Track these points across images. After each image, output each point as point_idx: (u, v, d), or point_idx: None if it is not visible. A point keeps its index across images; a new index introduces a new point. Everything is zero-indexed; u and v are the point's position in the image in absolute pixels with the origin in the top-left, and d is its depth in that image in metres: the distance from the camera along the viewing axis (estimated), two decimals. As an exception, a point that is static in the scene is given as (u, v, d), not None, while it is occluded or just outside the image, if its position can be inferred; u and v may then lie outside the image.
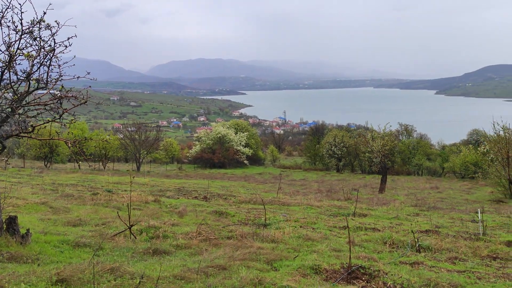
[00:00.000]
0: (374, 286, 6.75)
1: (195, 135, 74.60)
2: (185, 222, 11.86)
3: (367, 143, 40.86)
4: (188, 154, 64.43)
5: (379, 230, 12.39)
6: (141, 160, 52.12)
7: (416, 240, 10.19)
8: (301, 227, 12.24)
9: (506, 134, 29.11)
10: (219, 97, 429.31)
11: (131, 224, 9.59)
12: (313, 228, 12.11)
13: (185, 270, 6.83)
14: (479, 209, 14.11)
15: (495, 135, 30.22)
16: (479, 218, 13.08)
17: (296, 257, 8.32)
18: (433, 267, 8.41)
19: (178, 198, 18.59)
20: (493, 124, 29.94)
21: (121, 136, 56.17)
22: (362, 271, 7.46)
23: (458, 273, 7.97)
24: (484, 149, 39.85)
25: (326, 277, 7.24)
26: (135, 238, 9.47)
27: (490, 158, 37.78)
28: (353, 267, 7.47)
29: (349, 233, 8.04)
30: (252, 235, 10.25)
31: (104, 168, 49.46)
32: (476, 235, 12.35)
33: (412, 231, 10.60)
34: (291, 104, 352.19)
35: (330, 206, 18.09)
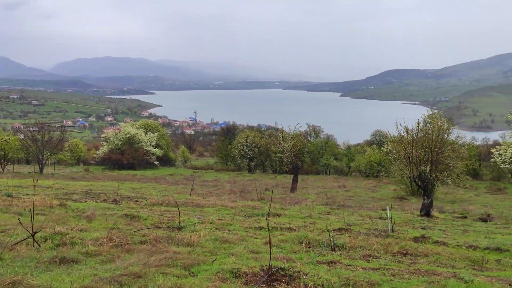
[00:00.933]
0: (295, 288, 6.66)
1: (103, 135, 71.95)
2: (94, 227, 11.17)
3: (279, 143, 41.42)
4: (95, 155, 61.91)
5: (295, 230, 12.45)
6: (44, 161, 49.33)
7: (331, 239, 10.32)
8: (216, 229, 11.99)
9: (408, 134, 30.66)
10: (128, 97, 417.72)
11: (34, 231, 8.82)
12: (229, 230, 11.90)
13: (96, 280, 6.33)
14: (387, 207, 14.66)
15: (398, 135, 31.73)
16: (388, 216, 13.58)
17: (214, 261, 8.06)
18: (349, 265, 8.51)
19: (86, 201, 17.61)
20: (396, 125, 31.41)
21: (22, 137, 52.83)
22: (282, 272, 7.35)
23: (373, 271, 8.11)
24: (387, 148, 41.86)
25: (246, 281, 7.05)
26: (39, 246, 8.72)
27: (392, 157, 39.75)
28: (273, 269, 7.35)
29: (269, 235, 7.90)
30: (167, 239, 9.84)
31: (3, 170, 46.22)
32: (386, 232, 12.79)
33: (327, 230, 10.73)
34: (202, 105, 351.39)
35: (244, 207, 18.01)
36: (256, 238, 11.02)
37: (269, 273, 7.16)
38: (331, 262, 8.66)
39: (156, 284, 6.26)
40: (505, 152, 39.34)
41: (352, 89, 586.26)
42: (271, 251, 9.13)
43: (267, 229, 12.33)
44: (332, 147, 54.58)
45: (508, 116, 41.16)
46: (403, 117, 31.20)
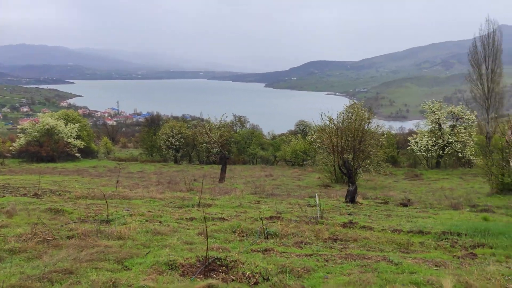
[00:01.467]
0: (234, 278, 6.64)
1: (19, 127, 67.92)
2: (16, 223, 10.54)
3: (206, 133, 41.21)
4: (11, 148, 58.48)
5: (226, 220, 12.43)
6: (-48, 155, 46.04)
7: (264, 227, 10.39)
8: (147, 221, 11.71)
9: (332, 124, 31.60)
10: (45, 86, 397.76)
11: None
12: (160, 222, 11.66)
13: (24, 278, 5.98)
14: (316, 194, 14.99)
15: (323, 125, 32.59)
16: (317, 202, 13.89)
17: (148, 253, 7.86)
18: (283, 252, 8.61)
19: (4, 196, 16.60)
20: (321, 115, 32.27)
21: None
22: (218, 262, 7.31)
23: (307, 257, 8.26)
24: (311, 138, 42.87)
25: (183, 272, 6.95)
26: (-45, 245, 8.12)
27: (317, 146, 40.75)
28: (209, 260, 7.28)
29: (205, 225, 7.83)
30: (96, 232, 9.47)
31: None
32: (315, 218, 13.08)
33: (260, 219, 10.79)
34: (125, 95, 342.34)
35: (174, 198, 17.76)
36: (188, 229, 10.88)
37: (206, 264, 7.09)
38: (265, 250, 8.73)
39: (90, 280, 6.01)
40: (421, 140, 41.52)
41: (276, 80, 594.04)
42: (207, 241, 9.07)
43: (199, 219, 12.27)
44: (258, 137, 55.06)
45: (424, 106, 43.41)
46: (326, 108, 32.17)
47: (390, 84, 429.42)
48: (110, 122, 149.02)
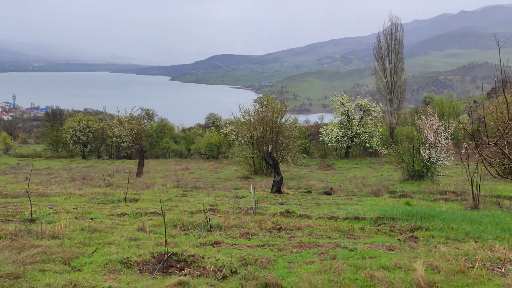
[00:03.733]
0: (198, 273, 6.29)
1: None
2: None
3: (117, 126, 39.66)
4: None
5: (161, 214, 11.94)
6: None
7: (208, 219, 10.07)
8: (76, 218, 10.93)
9: (250, 116, 31.74)
10: None
11: None
12: (91, 219, 10.93)
13: (-34, 287, 5.24)
14: (251, 186, 14.85)
15: (242, 117, 32.65)
16: (252, 194, 13.76)
17: (94, 251, 7.27)
18: (234, 244, 8.37)
19: None
20: (239, 107, 32.34)
21: None
22: (175, 258, 6.92)
23: (261, 248, 8.09)
24: (226, 130, 42.78)
25: (139, 270, 6.49)
26: None
27: (231, 139, 40.74)
28: (165, 255, 6.87)
29: (164, 220, 7.37)
30: (26, 232, 8.64)
31: None
32: (251, 209, 12.95)
33: (204, 211, 10.46)
34: (20, 88, 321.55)
35: (94, 194, 16.82)
36: (124, 225, 10.28)
37: (165, 258, 6.67)
38: (215, 243, 8.44)
39: (45, 284, 5.39)
40: (332, 132, 42.91)
41: (181, 73, 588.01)
42: (150, 236, 8.60)
43: (131, 215, 11.67)
44: (170, 130, 54.01)
45: (333, 98, 44.84)
46: (234, 102, 32.34)
47: (294, 78, 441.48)
48: (5, 117, 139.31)
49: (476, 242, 8.58)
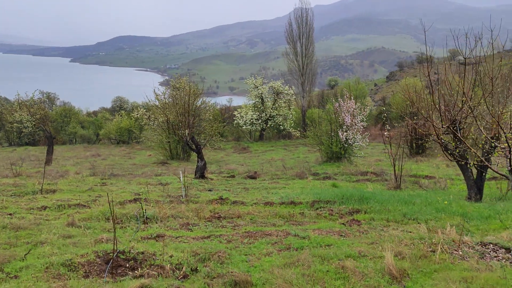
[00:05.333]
0: (154, 273, 5.72)
1: None
2: None
3: (17, 111, 36.97)
4: None
5: (86, 206, 11.08)
6: None
7: (144, 211, 9.42)
8: (-10, 214, 9.80)
9: (165, 100, 30.85)
10: None
11: None
12: (9, 214, 9.84)
13: None
14: (180, 172, 14.25)
15: (155, 100, 31.66)
16: (182, 181, 13.19)
17: (27, 253, 6.44)
18: (178, 237, 7.86)
19: None
20: (154, 90, 31.38)
21: None
22: (122, 256, 6.28)
23: (208, 240, 7.65)
24: (137, 114, 41.31)
25: (85, 272, 5.80)
26: None
27: (143, 123, 39.41)
28: (112, 254, 6.23)
29: (113, 217, 6.67)
30: None
31: None
32: (182, 197, 12.41)
33: (140, 202, 9.78)
34: None
35: (3, 185, 15.34)
36: (48, 220, 9.37)
37: (113, 257, 6.02)
38: (158, 236, 7.87)
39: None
40: (246, 115, 42.89)
41: (82, 55, 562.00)
42: (85, 233, 7.89)
43: (52, 208, 10.70)
44: (76, 115, 51.20)
45: (247, 81, 44.77)
46: (140, 84, 31.49)
47: (200, 61, 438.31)
48: None
49: (418, 223, 8.73)
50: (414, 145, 26.42)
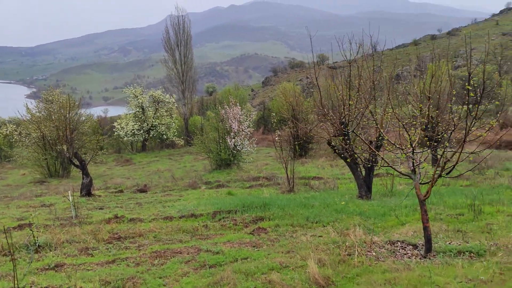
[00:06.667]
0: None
1: None
2: None
3: None
4: None
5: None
6: None
7: (35, 238, 8.53)
8: None
9: (40, 113, 28.93)
10: None
11: None
12: None
13: None
14: (69, 192, 13.23)
15: (29, 115, 29.52)
16: (71, 201, 12.25)
17: None
18: (80, 265, 7.22)
19: None
20: (26, 105, 29.25)
21: None
22: (22, 295, 5.56)
23: (114, 265, 7.11)
24: (7, 131, 38.07)
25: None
26: None
27: (14, 140, 36.44)
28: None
29: (11, 251, 5.86)
30: None
31: None
32: (72, 218, 11.52)
33: (30, 229, 8.83)
34: None
35: None
36: None
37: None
38: (56, 266, 7.17)
39: None
40: (127, 125, 41.40)
41: None
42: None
43: None
44: None
45: (125, 90, 43.23)
46: (5, 98, 29.41)
47: (70, 71, 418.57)
48: None
49: (324, 226, 8.89)
50: (297, 147, 27.27)
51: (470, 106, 6.24)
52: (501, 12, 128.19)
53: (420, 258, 6.43)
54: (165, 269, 6.60)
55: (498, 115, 22.28)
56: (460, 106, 8.79)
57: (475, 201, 9.54)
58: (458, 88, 21.60)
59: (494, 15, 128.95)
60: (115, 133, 41.78)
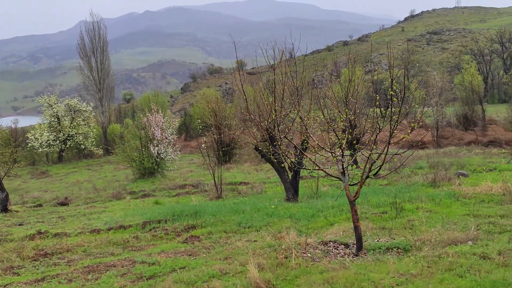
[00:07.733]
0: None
1: None
2: None
3: None
4: None
5: None
6: None
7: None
8: None
9: None
10: None
11: None
12: None
13: None
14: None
15: None
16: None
17: None
18: (6, 285, 6.83)
19: None
20: None
21: None
22: None
23: (44, 282, 6.81)
24: None
25: None
26: None
27: None
28: None
29: None
30: None
31: None
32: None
33: None
34: None
35: None
36: None
37: None
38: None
39: None
40: (41, 136, 39.50)
41: None
42: None
43: None
44: None
45: (39, 100, 41.31)
46: None
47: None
48: None
49: (257, 231, 9.03)
50: (221, 153, 27.36)
51: (389, 109, 6.63)
52: (406, 19, 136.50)
53: (352, 257, 6.72)
54: (100, 284, 6.42)
55: (419, 117, 23.51)
56: (374, 109, 9.30)
57: (396, 199, 10.07)
58: (370, 92, 22.70)
59: (399, 22, 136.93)
60: (29, 144, 39.72)
